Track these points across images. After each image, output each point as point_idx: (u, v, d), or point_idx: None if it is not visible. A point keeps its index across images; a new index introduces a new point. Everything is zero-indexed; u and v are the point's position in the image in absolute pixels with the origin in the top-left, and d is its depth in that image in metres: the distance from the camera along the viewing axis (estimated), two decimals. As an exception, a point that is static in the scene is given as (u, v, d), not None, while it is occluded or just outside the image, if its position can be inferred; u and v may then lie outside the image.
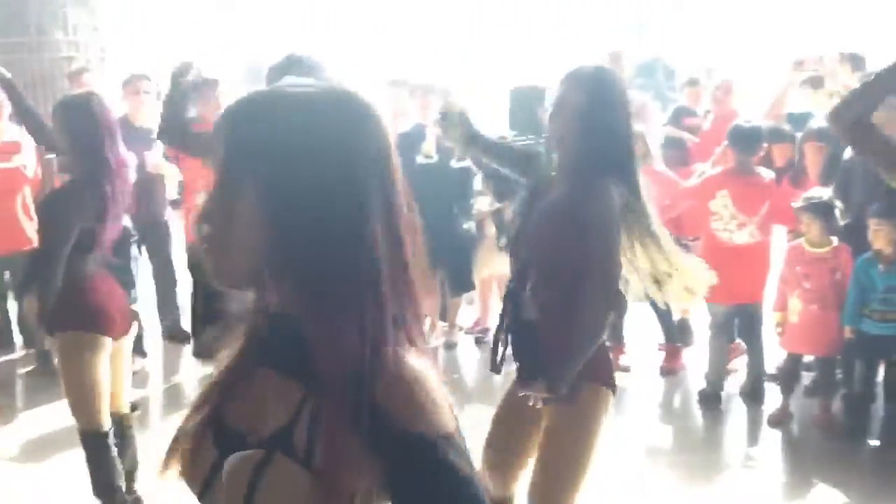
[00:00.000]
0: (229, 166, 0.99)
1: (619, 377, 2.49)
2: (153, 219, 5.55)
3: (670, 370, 5.20)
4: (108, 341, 3.22)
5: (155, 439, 4.33)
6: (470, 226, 5.49)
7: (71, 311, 3.15)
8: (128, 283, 3.49)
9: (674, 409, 4.92)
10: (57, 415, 4.02)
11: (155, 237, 5.64)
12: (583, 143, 2.40)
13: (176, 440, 1.10)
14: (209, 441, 1.06)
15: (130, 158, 5.11)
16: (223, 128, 1.01)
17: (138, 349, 5.45)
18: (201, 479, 1.05)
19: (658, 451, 4.30)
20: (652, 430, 4.54)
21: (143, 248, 5.58)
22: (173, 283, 5.84)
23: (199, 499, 1.07)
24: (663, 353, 5.27)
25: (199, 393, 1.13)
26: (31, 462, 4.00)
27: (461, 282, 5.56)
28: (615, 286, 2.40)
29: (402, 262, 1.02)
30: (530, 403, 2.39)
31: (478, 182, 5.60)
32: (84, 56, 6.84)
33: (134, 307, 5.43)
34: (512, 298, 2.52)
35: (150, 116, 5.80)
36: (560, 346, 2.33)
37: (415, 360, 1.00)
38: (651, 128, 5.30)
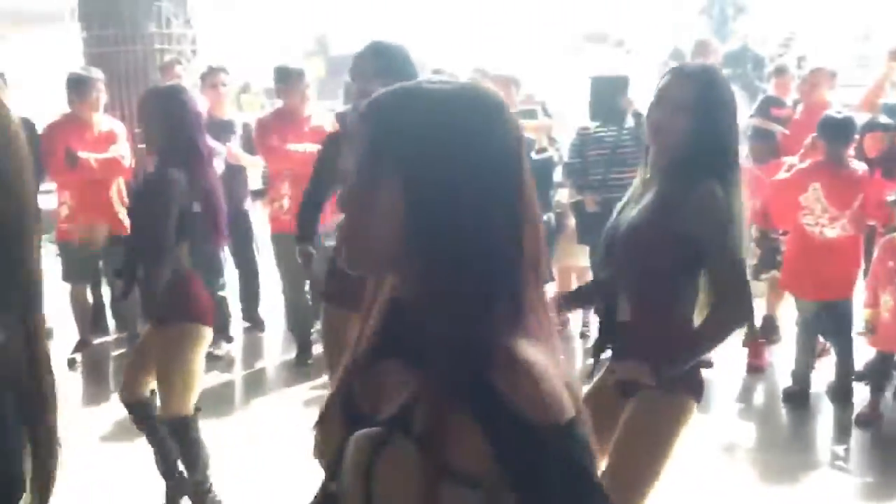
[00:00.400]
0: (372, 157, 1.03)
1: (702, 372, 2.45)
2: (235, 208, 5.69)
3: (756, 367, 5.09)
4: (209, 332, 3.34)
5: (237, 425, 4.47)
6: (549, 217, 5.47)
7: (181, 303, 3.25)
8: (216, 271, 3.60)
9: (758, 406, 4.82)
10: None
11: (236, 226, 5.79)
12: (685, 140, 2.33)
13: (318, 423, 1.16)
14: (340, 421, 1.11)
15: (217, 149, 5.28)
16: (367, 120, 1.05)
17: (224, 335, 5.63)
18: (331, 457, 1.10)
19: (740, 449, 4.22)
20: (734, 427, 4.46)
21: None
22: (254, 272, 5.98)
23: (331, 478, 1.10)
24: (748, 350, 5.16)
25: (337, 375, 1.18)
26: (124, 441, 4.16)
27: (541, 274, 5.54)
28: (748, 287, 2.35)
29: (530, 252, 1.06)
30: (621, 377, 2.35)
31: (558, 173, 5.57)
32: (176, 49, 7.04)
33: (221, 293, 5.61)
34: (605, 302, 2.48)
35: (229, 108, 5.96)
36: (658, 345, 2.30)
37: (538, 349, 1.03)
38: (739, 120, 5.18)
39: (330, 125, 5.35)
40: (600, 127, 5.02)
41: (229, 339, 5.71)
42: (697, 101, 2.32)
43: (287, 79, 5.33)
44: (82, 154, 5.19)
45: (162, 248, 3.21)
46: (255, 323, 6.04)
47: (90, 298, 5.72)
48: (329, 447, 1.12)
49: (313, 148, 5.09)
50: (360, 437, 1.05)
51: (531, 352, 1.02)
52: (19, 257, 1.12)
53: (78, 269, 5.48)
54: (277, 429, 4.23)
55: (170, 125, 3.24)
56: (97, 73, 5.40)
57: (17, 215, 1.11)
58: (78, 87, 5.27)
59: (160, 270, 3.20)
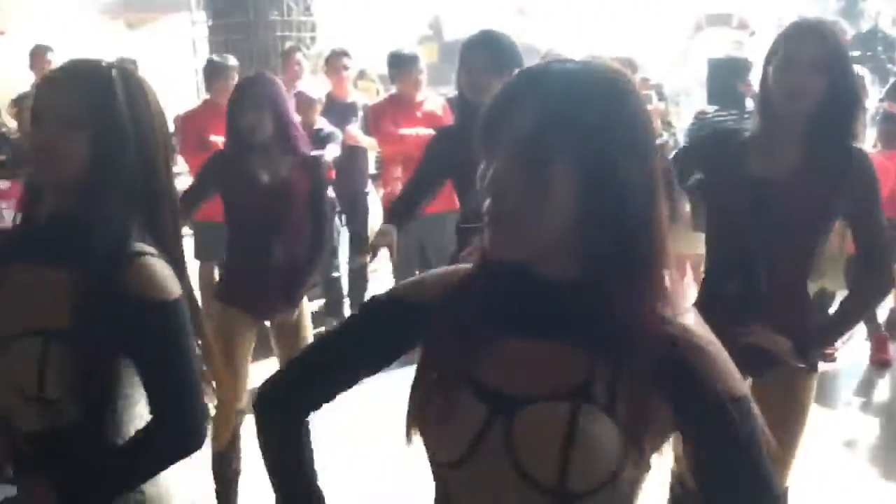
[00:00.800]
0: (540, 139, 1.02)
1: (824, 366, 2.39)
2: (354, 189, 5.81)
3: (881, 361, 4.88)
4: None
5: (349, 401, 4.56)
6: (664, 204, 5.35)
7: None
8: (332, 252, 3.69)
9: (881, 402, 4.62)
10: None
11: (354, 208, 5.90)
12: (824, 101, 2.19)
13: (421, 404, 1.11)
14: (471, 400, 1.08)
15: (336, 133, 5.40)
16: (529, 103, 1.03)
17: (337, 314, 5.77)
18: (468, 436, 1.06)
19: (861, 445, 4.07)
20: (856, 422, 4.29)
21: (343, 218, 5.87)
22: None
23: (461, 458, 1.07)
24: (872, 343, 4.95)
25: (431, 357, 1.14)
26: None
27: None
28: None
29: (666, 230, 1.08)
30: (759, 342, 2.25)
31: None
32: (296, 36, 7.23)
33: (335, 275, 5.74)
34: (745, 277, 2.36)
35: (351, 91, 6.07)
36: (792, 319, 2.26)
37: (703, 326, 1.08)
38: (868, 104, 4.95)
39: (441, 110, 5.40)
40: (720, 111, 4.88)
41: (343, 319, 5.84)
42: (832, 59, 2.19)
43: (400, 64, 5.39)
44: (215, 138, 5.39)
45: (325, 230, 3.37)
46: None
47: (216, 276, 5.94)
48: (461, 427, 1.07)
49: (426, 132, 5.15)
50: (543, 412, 1.04)
51: (700, 327, 1.07)
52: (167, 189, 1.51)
53: (210, 247, 5.68)
54: (388, 405, 4.29)
55: (283, 111, 3.30)
56: (232, 61, 5.61)
57: (166, 161, 1.52)
58: (214, 73, 5.49)
59: (321, 254, 3.36)
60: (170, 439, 1.49)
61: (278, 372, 1.33)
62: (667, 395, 1.04)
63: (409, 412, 1.13)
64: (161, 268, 1.47)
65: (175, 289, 1.48)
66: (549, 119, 1.02)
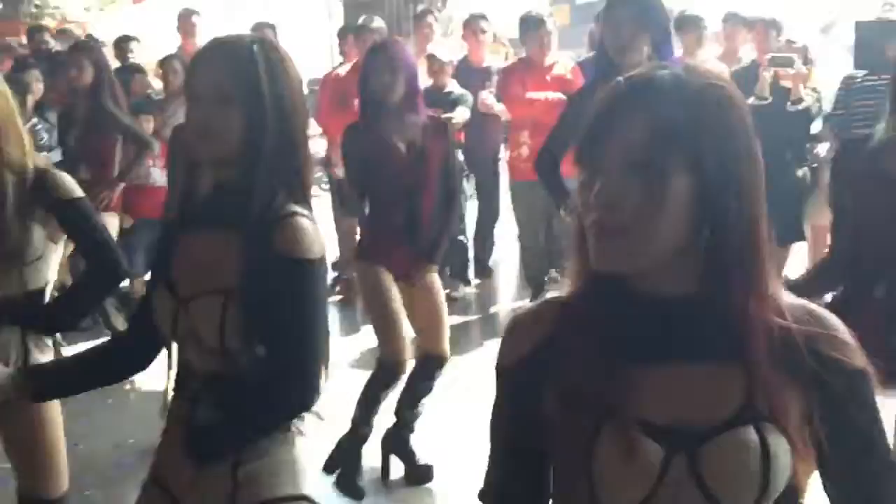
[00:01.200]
0: (656, 149, 1.01)
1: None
2: (484, 155, 5.82)
3: None
4: None
5: (473, 364, 4.61)
6: (804, 173, 5.14)
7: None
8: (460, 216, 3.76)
9: None
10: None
11: (484, 172, 5.92)
12: None
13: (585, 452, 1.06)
14: (643, 439, 1.04)
15: (466, 96, 5.41)
16: (640, 112, 1.02)
17: (463, 278, 5.83)
18: (649, 478, 1.03)
19: None
20: None
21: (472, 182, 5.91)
22: (493, 218, 6.11)
23: (643, 500, 1.04)
24: None
25: (574, 401, 1.07)
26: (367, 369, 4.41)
27: (791, 231, 5.24)
28: None
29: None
30: None
31: (816, 127, 5.20)
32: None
33: (461, 238, 5.79)
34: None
35: (487, 56, 6.06)
36: None
37: (801, 301, 1.09)
38: None
39: (572, 73, 5.33)
40: (868, 76, 4.62)
41: (467, 282, 5.91)
42: None
43: (529, 27, 5.35)
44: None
45: (457, 192, 3.46)
46: (484, 268, 6.18)
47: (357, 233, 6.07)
48: (640, 467, 1.03)
49: (554, 96, 5.10)
50: (728, 443, 1.02)
51: (801, 302, 1.08)
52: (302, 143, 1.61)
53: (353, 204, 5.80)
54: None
55: (413, 74, 3.36)
56: (378, 22, 5.69)
57: (303, 127, 1.63)
58: (358, 35, 5.63)
59: (455, 216, 3.49)
60: (282, 392, 1.56)
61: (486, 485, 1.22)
62: (800, 384, 1.04)
63: (560, 467, 1.10)
64: (308, 227, 1.57)
65: (318, 248, 1.58)
66: (664, 128, 1.01)
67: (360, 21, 5.83)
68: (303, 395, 1.57)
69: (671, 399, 1.05)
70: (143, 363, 1.78)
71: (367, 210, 3.45)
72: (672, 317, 1.05)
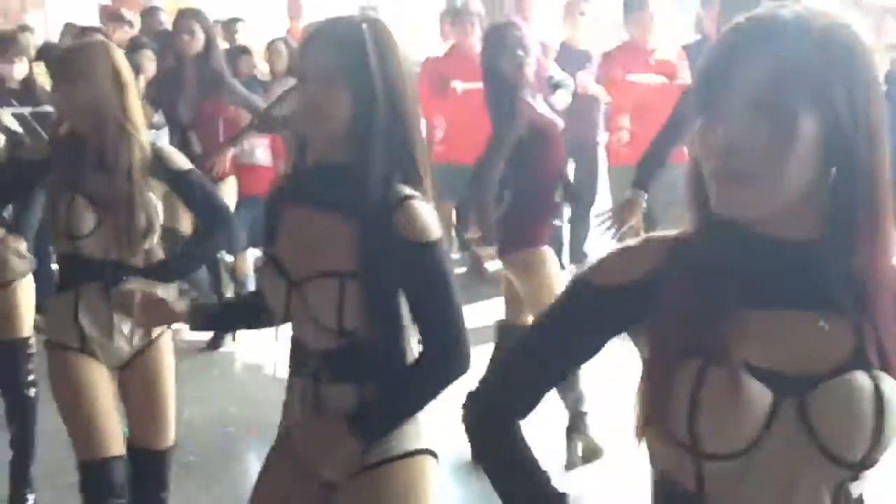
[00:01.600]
0: (784, 91, 0.97)
1: None
2: (584, 139, 5.76)
3: None
4: None
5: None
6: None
7: None
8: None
9: None
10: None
11: (584, 156, 5.86)
12: None
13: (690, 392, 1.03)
14: (755, 383, 1.02)
15: (567, 80, 5.37)
16: (763, 53, 0.99)
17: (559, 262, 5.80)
18: (756, 423, 1.01)
19: None
20: None
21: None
22: (591, 202, 6.05)
23: (747, 447, 1.02)
24: None
25: (677, 339, 1.05)
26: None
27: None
28: None
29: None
30: None
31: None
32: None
33: (556, 222, 5.76)
34: None
35: (585, 38, 5.99)
36: None
37: None
38: None
39: (677, 57, 5.22)
40: None
41: (561, 267, 5.86)
42: None
43: (632, 8, 5.27)
44: (457, 83, 5.53)
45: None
46: (579, 253, 6.14)
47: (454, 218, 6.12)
48: (747, 415, 1.01)
49: (657, 80, 5.01)
50: (849, 382, 1.01)
51: None
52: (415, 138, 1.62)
53: (449, 187, 5.85)
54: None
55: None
56: (475, 7, 5.70)
57: (414, 109, 1.63)
58: (457, 18, 5.64)
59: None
60: (443, 365, 1.63)
61: (489, 373, 1.31)
62: None
63: (657, 402, 1.05)
64: (425, 209, 1.61)
65: (438, 229, 1.61)
66: (791, 69, 0.97)
67: (459, 3, 5.84)
68: (461, 364, 1.63)
69: (780, 344, 1.03)
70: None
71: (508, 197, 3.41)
72: (787, 261, 1.03)
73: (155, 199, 2.41)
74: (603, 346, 1.15)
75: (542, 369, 1.20)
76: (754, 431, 1.01)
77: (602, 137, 5.93)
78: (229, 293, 5.07)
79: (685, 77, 5.10)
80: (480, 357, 1.73)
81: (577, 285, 1.15)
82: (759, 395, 1.01)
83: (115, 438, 2.39)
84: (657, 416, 1.05)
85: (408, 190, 1.61)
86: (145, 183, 2.37)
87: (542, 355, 1.19)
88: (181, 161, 2.48)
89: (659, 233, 1.15)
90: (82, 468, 2.40)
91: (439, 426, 1.71)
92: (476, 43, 5.65)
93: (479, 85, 5.40)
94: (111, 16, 7.17)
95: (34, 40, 6.74)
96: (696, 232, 1.08)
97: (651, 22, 5.25)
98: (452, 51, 5.78)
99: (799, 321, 1.03)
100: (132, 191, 2.33)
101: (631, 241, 1.14)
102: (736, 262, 1.04)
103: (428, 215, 1.60)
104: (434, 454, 1.69)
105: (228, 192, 4.72)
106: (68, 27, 6.91)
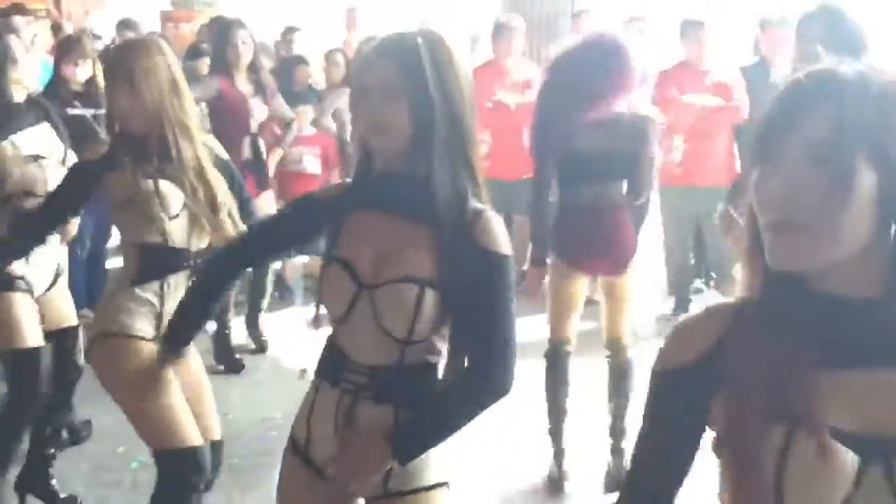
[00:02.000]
0: (844, 144, 0.99)
1: None
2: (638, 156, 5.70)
3: None
4: None
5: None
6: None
7: None
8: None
9: None
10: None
11: (635, 174, 5.80)
12: None
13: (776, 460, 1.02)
14: (841, 448, 1.01)
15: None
16: (825, 106, 1.00)
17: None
18: (842, 490, 1.00)
19: None
20: None
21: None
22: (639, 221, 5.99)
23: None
24: None
25: (756, 402, 1.04)
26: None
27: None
28: None
29: None
30: None
31: None
32: (587, -1, 7.18)
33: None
34: None
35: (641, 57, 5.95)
36: None
37: None
38: None
39: (733, 80, 5.16)
40: None
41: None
42: None
43: (689, 29, 5.24)
44: (502, 96, 5.54)
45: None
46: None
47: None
48: (817, 481, 1.00)
49: (712, 101, 4.97)
50: None
51: None
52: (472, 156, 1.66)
53: (502, 203, 5.84)
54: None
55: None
56: (517, 22, 5.71)
57: (472, 120, 1.65)
58: (497, 33, 5.64)
59: None
60: (488, 387, 1.64)
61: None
62: None
63: (742, 468, 1.04)
64: (498, 223, 1.64)
65: (509, 244, 1.63)
66: (850, 123, 0.99)
67: (501, 19, 5.84)
68: (505, 383, 1.63)
69: (860, 406, 1.01)
70: None
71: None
72: (856, 319, 1.02)
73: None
74: (704, 426, 1.12)
75: (665, 471, 1.15)
76: (840, 498, 1.00)
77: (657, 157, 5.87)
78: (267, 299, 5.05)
79: (741, 99, 5.06)
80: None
81: (653, 378, 1.15)
82: (847, 460, 1.00)
83: (195, 427, 2.42)
84: (743, 485, 1.04)
85: (480, 203, 1.64)
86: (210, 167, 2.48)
87: (658, 458, 1.16)
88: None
89: (716, 302, 1.15)
90: (169, 458, 2.37)
91: (461, 455, 1.73)
92: (517, 57, 5.66)
93: (525, 99, 5.46)
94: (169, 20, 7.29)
95: (95, 44, 6.82)
96: (758, 293, 1.08)
97: (707, 42, 5.21)
98: (489, 63, 5.78)
99: (877, 381, 1.02)
100: (202, 166, 2.44)
101: (691, 316, 1.15)
102: (801, 321, 1.03)
103: (502, 229, 1.64)
104: (451, 486, 1.70)
105: (268, 205, 4.70)
106: (122, 24, 6.88)
